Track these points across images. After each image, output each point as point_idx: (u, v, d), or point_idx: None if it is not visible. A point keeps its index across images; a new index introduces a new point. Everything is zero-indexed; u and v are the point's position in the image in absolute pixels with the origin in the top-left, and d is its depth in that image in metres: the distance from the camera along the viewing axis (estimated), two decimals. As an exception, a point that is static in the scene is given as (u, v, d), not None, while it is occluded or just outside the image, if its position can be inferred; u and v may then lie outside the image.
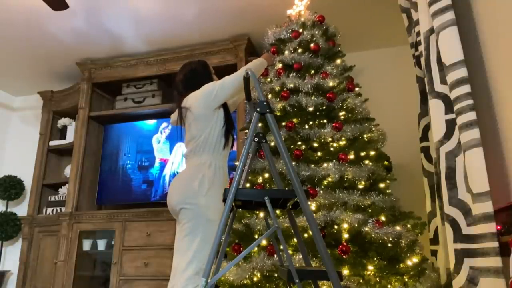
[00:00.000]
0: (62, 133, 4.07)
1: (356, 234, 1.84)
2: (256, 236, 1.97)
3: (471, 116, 1.40)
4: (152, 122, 3.74)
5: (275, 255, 1.83)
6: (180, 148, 3.58)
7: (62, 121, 4.09)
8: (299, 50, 2.44)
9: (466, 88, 1.43)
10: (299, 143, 2.17)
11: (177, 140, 3.62)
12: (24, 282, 3.59)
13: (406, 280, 1.81)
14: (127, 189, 3.61)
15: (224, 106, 1.92)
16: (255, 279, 1.85)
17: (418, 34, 1.99)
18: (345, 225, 1.85)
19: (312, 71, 2.39)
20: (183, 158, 3.53)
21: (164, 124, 3.71)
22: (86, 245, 3.46)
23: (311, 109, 2.23)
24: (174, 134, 3.65)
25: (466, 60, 1.49)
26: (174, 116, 2.08)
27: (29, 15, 3.18)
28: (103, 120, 3.90)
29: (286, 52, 2.48)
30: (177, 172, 3.51)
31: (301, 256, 1.75)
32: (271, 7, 3.10)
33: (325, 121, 2.24)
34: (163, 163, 3.58)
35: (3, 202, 4.06)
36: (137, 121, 3.80)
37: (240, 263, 1.91)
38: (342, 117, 2.25)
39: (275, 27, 2.66)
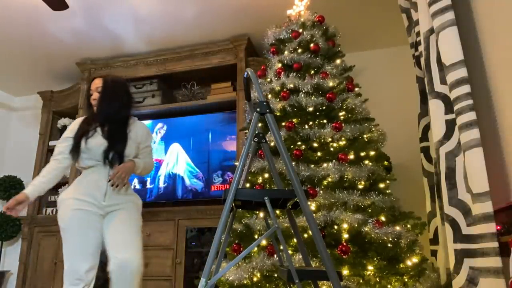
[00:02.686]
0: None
1: (356, 234, 1.84)
2: (256, 236, 1.97)
3: (471, 116, 1.40)
4: (147, 122, 3.74)
5: (275, 255, 1.83)
6: (175, 148, 3.59)
7: (62, 121, 4.09)
8: (299, 50, 2.44)
9: (466, 88, 1.43)
10: (299, 143, 2.17)
11: (172, 141, 3.62)
12: (24, 282, 3.59)
13: (406, 280, 1.81)
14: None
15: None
16: (255, 279, 1.85)
17: (418, 34, 1.99)
18: (345, 225, 1.85)
19: (312, 71, 2.39)
20: (178, 159, 3.54)
21: (159, 125, 3.71)
22: (86, 245, 3.45)
23: (311, 109, 2.23)
24: (169, 135, 3.65)
25: (466, 60, 1.49)
26: None
27: (29, 15, 3.18)
28: (103, 120, 3.90)
29: (286, 52, 2.48)
30: (172, 173, 3.52)
31: (301, 256, 1.75)
32: (271, 7, 3.10)
33: (325, 121, 2.24)
34: (158, 164, 3.58)
35: (3, 202, 4.06)
36: (137, 121, 3.80)
37: (240, 263, 1.91)
38: (342, 117, 2.25)
39: (275, 27, 2.66)
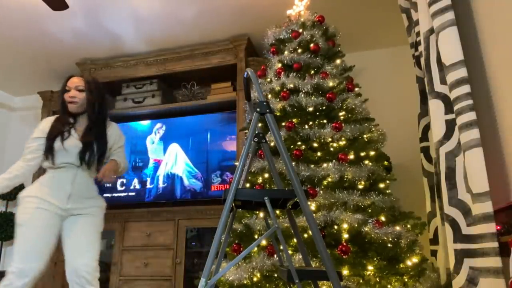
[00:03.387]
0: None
1: (356, 234, 1.84)
2: (256, 236, 1.97)
3: (471, 116, 1.40)
4: (146, 122, 3.75)
5: (275, 255, 1.83)
6: (174, 149, 3.59)
7: (62, 121, 4.08)
8: (299, 50, 2.44)
9: (466, 88, 1.43)
10: (299, 143, 2.17)
11: (171, 141, 3.63)
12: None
13: (406, 280, 1.81)
14: (122, 189, 3.62)
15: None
16: (255, 279, 1.85)
17: (418, 34, 1.99)
18: (345, 225, 1.85)
19: (312, 71, 2.39)
20: (177, 159, 3.54)
21: (158, 125, 3.71)
22: (86, 245, 3.45)
23: (311, 109, 2.23)
24: (168, 135, 3.65)
25: (466, 60, 1.49)
26: None
27: (29, 15, 3.18)
28: (103, 120, 3.90)
29: (286, 52, 2.48)
30: (171, 173, 3.52)
31: (301, 256, 1.75)
32: (271, 7, 3.10)
33: (325, 121, 2.24)
34: (157, 164, 3.58)
35: (3, 202, 4.06)
36: (134, 122, 3.81)
37: (240, 263, 1.91)
38: (342, 117, 2.25)
39: (275, 27, 2.66)
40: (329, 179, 2.03)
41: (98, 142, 2.14)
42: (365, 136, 2.20)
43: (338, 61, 2.48)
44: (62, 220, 2.05)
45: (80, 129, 2.14)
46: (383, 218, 1.92)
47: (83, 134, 2.13)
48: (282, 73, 2.38)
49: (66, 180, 2.07)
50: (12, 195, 3.91)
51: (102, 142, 2.15)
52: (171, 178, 3.52)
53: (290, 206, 1.38)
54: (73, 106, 2.14)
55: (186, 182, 3.46)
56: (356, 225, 1.83)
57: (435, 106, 1.64)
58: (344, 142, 2.14)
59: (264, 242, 1.94)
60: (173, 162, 3.55)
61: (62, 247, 2.04)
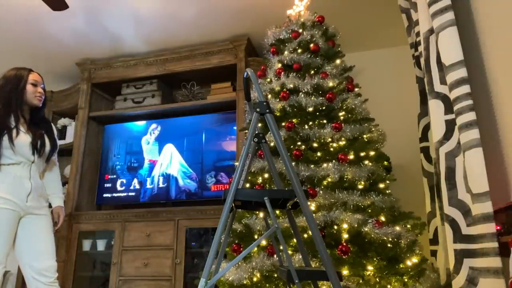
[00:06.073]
0: (62, 133, 4.06)
1: (355, 234, 1.84)
2: (256, 236, 1.97)
3: (470, 116, 1.40)
4: (141, 123, 3.75)
5: (275, 255, 1.84)
6: (169, 149, 3.59)
7: (62, 121, 4.08)
8: (299, 50, 2.44)
9: (465, 89, 1.43)
10: (299, 143, 2.17)
11: (166, 141, 3.63)
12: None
13: (406, 280, 1.81)
14: (118, 190, 3.63)
15: None
16: (254, 279, 1.85)
17: (417, 34, 1.99)
18: (345, 225, 1.85)
19: (312, 71, 2.39)
20: (171, 159, 3.54)
21: (153, 126, 3.71)
22: (86, 245, 3.45)
23: (310, 109, 2.23)
24: (163, 136, 3.65)
25: (466, 60, 1.49)
26: None
27: (29, 15, 3.18)
28: (103, 120, 3.90)
29: (286, 52, 2.48)
30: (165, 173, 3.51)
31: (301, 256, 1.75)
32: (271, 7, 3.10)
33: (324, 121, 2.24)
34: (152, 164, 3.58)
35: None
36: (130, 122, 3.81)
37: (240, 263, 1.91)
38: (341, 117, 2.25)
39: (275, 27, 2.66)
40: (329, 179, 2.03)
41: (48, 135, 2.15)
42: (365, 136, 2.20)
43: (338, 61, 2.48)
44: (19, 219, 2.01)
45: (25, 124, 2.10)
46: (383, 218, 1.92)
47: (31, 128, 2.10)
48: (282, 73, 2.38)
49: (24, 177, 2.02)
50: None
51: (52, 136, 2.18)
52: (166, 178, 3.51)
53: (290, 206, 1.38)
54: (40, 102, 2.14)
55: (181, 182, 3.46)
56: (356, 225, 1.83)
57: (435, 106, 1.64)
58: (344, 142, 2.14)
59: (264, 242, 1.94)
60: (168, 162, 3.55)
61: (17, 246, 2.02)
